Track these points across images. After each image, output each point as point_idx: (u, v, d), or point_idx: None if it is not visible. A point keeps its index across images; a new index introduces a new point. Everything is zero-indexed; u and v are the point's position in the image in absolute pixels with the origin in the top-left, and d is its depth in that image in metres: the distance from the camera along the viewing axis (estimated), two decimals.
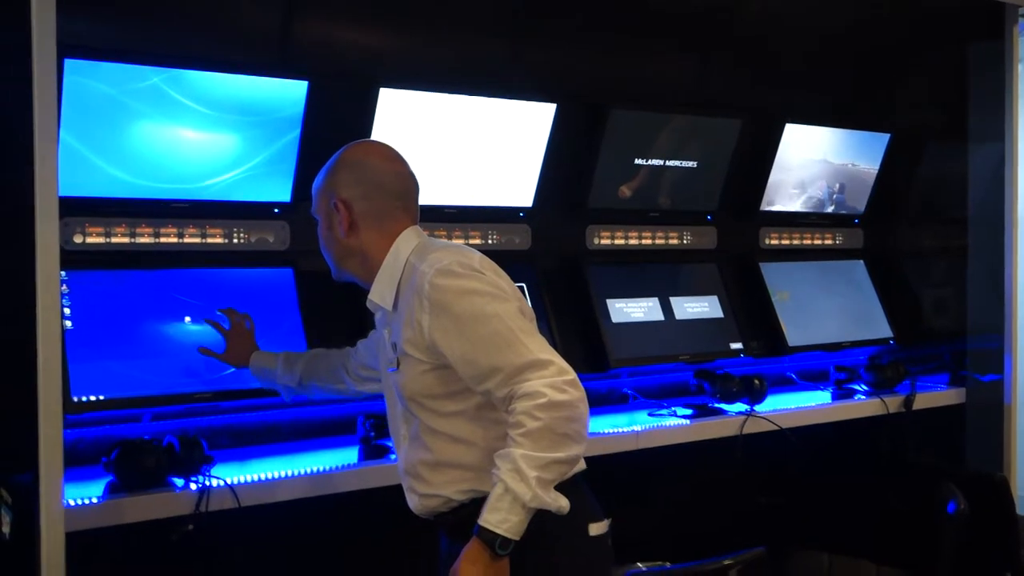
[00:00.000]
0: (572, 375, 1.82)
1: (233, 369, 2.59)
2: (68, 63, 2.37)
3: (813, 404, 3.55)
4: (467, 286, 1.88)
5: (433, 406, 1.95)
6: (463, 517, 1.93)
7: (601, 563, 2.00)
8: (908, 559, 2.96)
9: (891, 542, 3.03)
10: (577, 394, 1.80)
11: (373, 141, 2.16)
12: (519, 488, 1.75)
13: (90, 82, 2.43)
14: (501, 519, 1.76)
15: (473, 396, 1.91)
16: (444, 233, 3.12)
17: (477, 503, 1.87)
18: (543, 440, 1.76)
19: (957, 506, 2.72)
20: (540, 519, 1.80)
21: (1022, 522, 3.23)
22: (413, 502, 2.04)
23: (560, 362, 1.83)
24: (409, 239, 2.02)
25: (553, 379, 1.79)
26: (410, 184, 2.07)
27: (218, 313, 2.58)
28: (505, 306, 1.88)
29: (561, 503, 1.80)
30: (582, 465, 1.96)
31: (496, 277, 1.95)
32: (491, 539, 1.76)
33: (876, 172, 4.16)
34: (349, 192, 2.01)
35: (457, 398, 1.92)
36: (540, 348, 1.84)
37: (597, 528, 1.97)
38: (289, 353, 2.50)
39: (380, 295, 2.01)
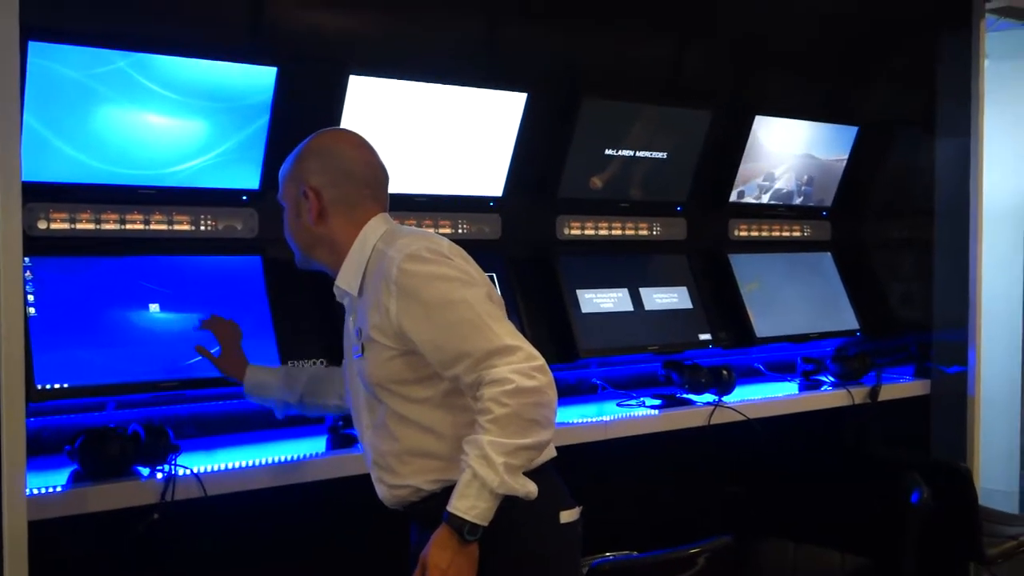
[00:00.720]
0: (540, 361, 1.82)
1: (200, 358, 2.56)
2: (32, 46, 2.33)
3: (780, 395, 3.58)
4: (435, 271, 1.88)
5: (401, 391, 1.94)
6: (433, 506, 1.92)
7: (571, 550, 2.01)
8: (872, 548, 2.99)
9: (856, 531, 3.06)
10: (545, 380, 1.81)
11: (342, 129, 2.15)
12: (487, 474, 1.76)
13: (54, 65, 2.40)
14: (469, 505, 1.77)
15: (442, 382, 1.91)
16: (414, 222, 3.10)
17: (448, 492, 1.87)
18: (511, 426, 1.77)
19: (921, 495, 2.76)
20: (511, 506, 1.81)
21: (984, 512, 3.28)
22: (382, 492, 2.03)
23: (528, 348, 1.84)
24: (377, 226, 2.01)
25: (521, 365, 1.80)
26: (379, 173, 2.07)
27: (201, 329, 2.50)
28: (473, 291, 1.88)
29: (529, 488, 1.81)
30: (552, 452, 1.97)
31: (464, 263, 1.95)
32: (460, 525, 1.77)
33: (844, 165, 4.19)
34: (318, 180, 2.00)
35: (425, 384, 1.92)
36: (508, 334, 1.85)
37: (568, 515, 1.98)
38: (289, 369, 2.49)
39: (346, 281, 2.00)
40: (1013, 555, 3.21)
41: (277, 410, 2.44)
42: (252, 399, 2.45)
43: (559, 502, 1.97)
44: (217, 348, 2.49)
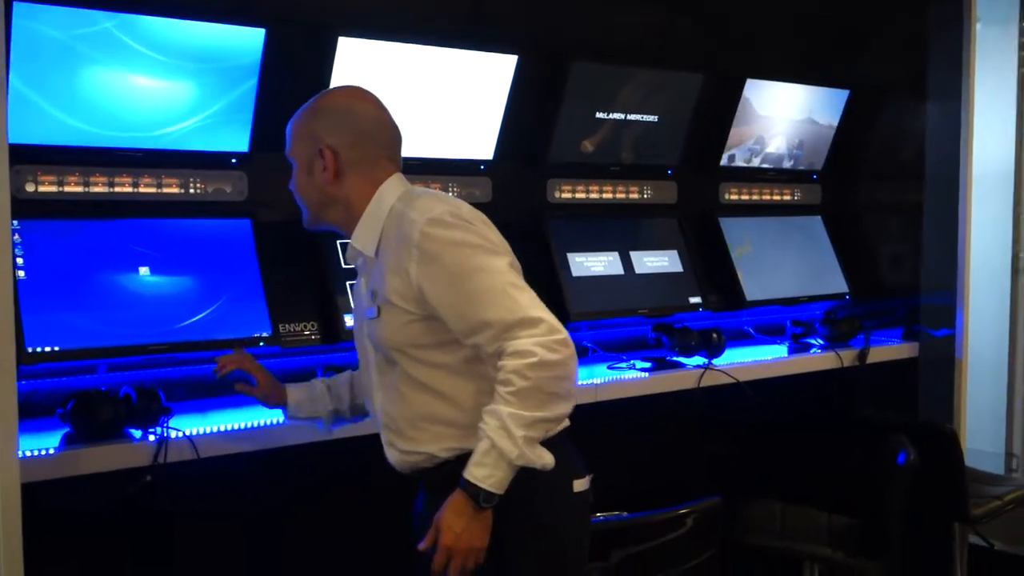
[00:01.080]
0: (563, 333, 1.81)
1: (192, 319, 2.56)
2: (16, 6, 2.30)
3: (770, 358, 3.60)
4: (459, 238, 1.86)
5: (419, 356, 1.92)
6: (447, 473, 1.93)
7: (583, 518, 2.02)
8: (859, 508, 3.03)
9: (843, 492, 3.09)
10: (568, 352, 1.80)
11: (358, 87, 2.09)
12: (505, 445, 1.76)
13: (39, 26, 2.37)
14: (486, 474, 1.78)
15: (461, 348, 1.89)
16: None
17: (462, 460, 1.87)
18: (531, 399, 1.77)
19: (907, 457, 2.79)
20: (525, 475, 1.82)
21: (970, 473, 3.31)
22: (393, 457, 2.02)
23: (551, 320, 1.82)
24: (394, 186, 1.99)
25: (544, 338, 1.78)
26: (395, 133, 2.05)
27: (223, 373, 2.28)
28: (497, 260, 1.87)
29: (546, 460, 1.82)
30: (566, 422, 1.96)
31: (487, 229, 1.92)
32: (475, 492, 1.78)
33: (835, 128, 4.18)
34: (336, 139, 1.96)
35: (445, 349, 1.90)
36: (531, 304, 1.83)
37: (580, 484, 1.98)
38: (327, 381, 2.31)
39: (362, 241, 1.97)
40: (997, 515, 3.26)
41: (326, 424, 2.30)
42: (298, 420, 2.30)
43: (573, 471, 1.97)
44: (251, 378, 2.30)
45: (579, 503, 1.99)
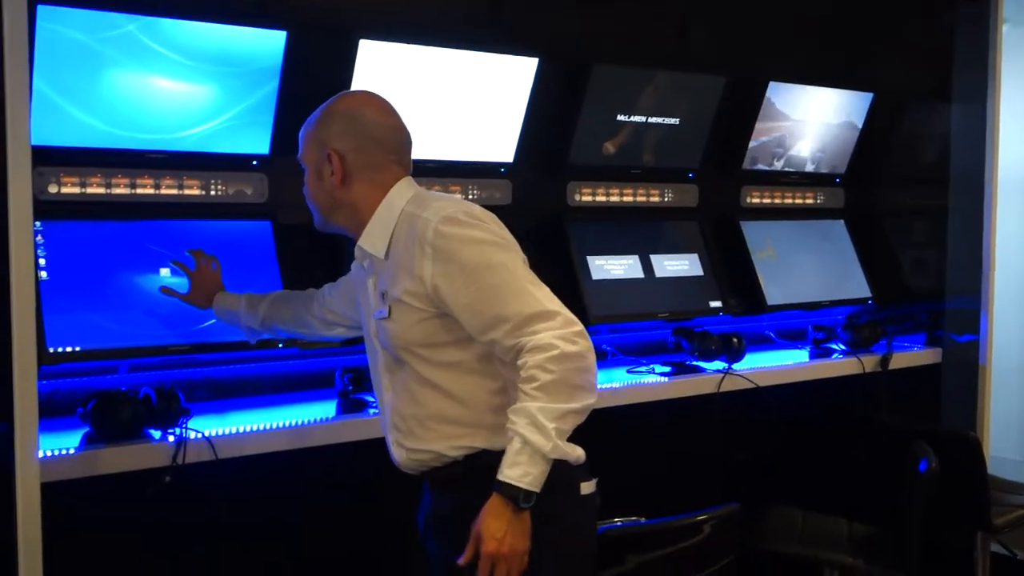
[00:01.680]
0: (580, 326, 1.82)
1: (212, 321, 2.58)
2: (41, 9, 2.32)
3: (791, 363, 3.58)
4: (472, 235, 1.87)
5: (429, 355, 1.92)
6: (454, 473, 1.94)
7: (589, 521, 2.02)
8: (880, 516, 3.00)
9: (864, 499, 3.06)
10: (586, 344, 1.81)
11: (368, 92, 2.11)
12: (538, 440, 1.75)
13: (63, 29, 2.39)
14: (522, 472, 1.76)
15: (474, 346, 1.90)
16: (425, 187, 3.09)
17: (470, 459, 1.89)
18: (558, 392, 1.77)
19: (929, 464, 2.76)
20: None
21: (993, 481, 3.28)
22: (400, 456, 2.02)
23: (567, 313, 1.83)
24: (404, 190, 2.00)
25: (562, 330, 1.79)
26: (404, 137, 2.05)
27: (186, 254, 2.54)
28: (511, 256, 1.88)
29: (578, 453, 1.83)
30: (580, 422, 1.92)
31: (499, 228, 1.93)
32: (514, 493, 1.77)
33: (859, 131, 4.15)
34: (342, 144, 1.98)
35: (459, 347, 1.91)
36: (547, 298, 1.84)
37: (587, 487, 1.98)
38: (252, 295, 2.48)
39: (371, 243, 1.98)
40: (1021, 524, 3.22)
41: (248, 336, 2.50)
42: (227, 324, 2.52)
43: (578, 474, 1.96)
44: (187, 283, 2.54)
45: (586, 505, 1.99)
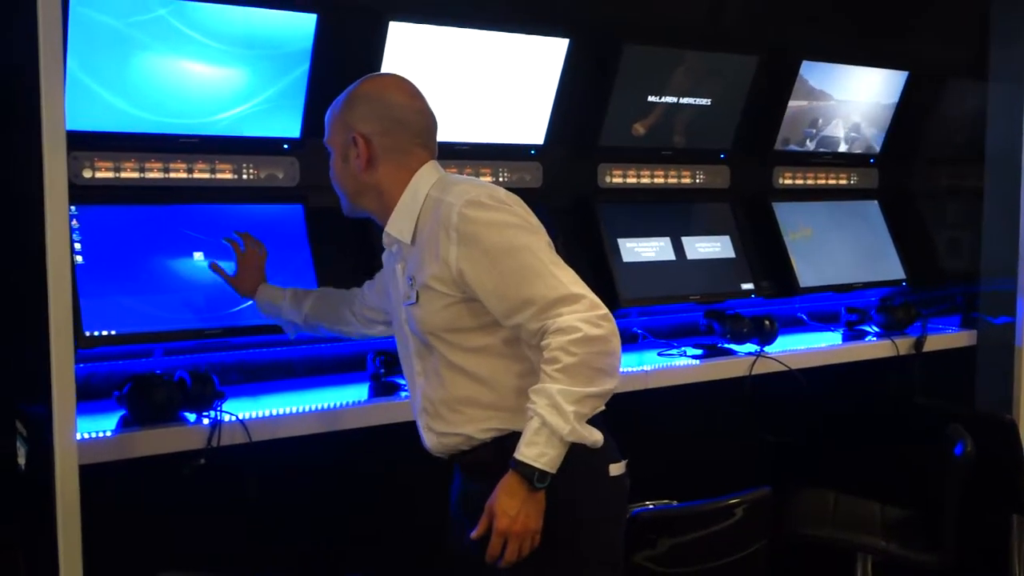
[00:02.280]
0: (604, 309, 1.82)
1: (245, 304, 2.59)
2: None
3: (823, 345, 3.55)
4: (497, 218, 1.86)
5: (457, 340, 1.92)
6: (483, 456, 1.95)
7: (620, 503, 2.02)
8: (914, 500, 2.98)
9: (898, 483, 3.04)
10: (610, 327, 1.80)
11: (393, 75, 2.11)
12: (556, 422, 1.76)
13: (95, 14, 2.40)
14: (539, 452, 1.77)
15: (500, 330, 1.90)
16: (455, 170, 3.08)
17: (499, 441, 1.90)
18: (579, 375, 1.77)
19: (964, 448, 2.73)
20: (563, 460, 1.81)
21: None
22: (430, 441, 2.03)
23: (592, 296, 1.83)
24: (428, 174, 1.99)
25: (587, 313, 1.79)
26: (430, 120, 2.04)
27: (235, 235, 2.55)
28: (536, 238, 1.87)
29: (596, 436, 1.83)
30: (600, 406, 1.95)
31: (523, 211, 1.92)
32: (529, 473, 1.78)
33: (893, 111, 4.10)
34: (368, 127, 1.97)
35: (484, 332, 1.91)
36: (572, 281, 1.84)
37: (616, 468, 1.98)
38: (296, 290, 2.48)
39: (398, 229, 1.97)
40: None
41: (288, 330, 2.50)
42: (268, 316, 2.51)
43: (608, 455, 1.96)
44: (234, 266, 2.53)
45: (616, 487, 1.99)
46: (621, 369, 1.85)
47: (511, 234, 1.85)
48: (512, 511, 1.80)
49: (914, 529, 2.92)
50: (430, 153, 2.03)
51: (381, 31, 2.78)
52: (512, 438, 1.88)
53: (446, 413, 1.97)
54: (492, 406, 1.93)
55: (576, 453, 1.82)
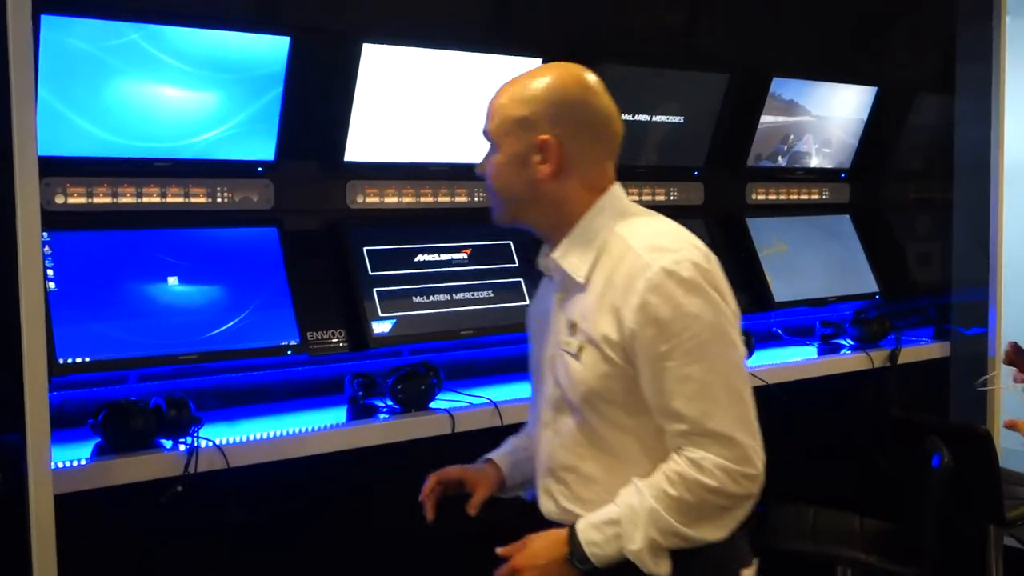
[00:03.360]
0: (756, 468, 1.59)
1: (221, 329, 2.58)
2: (44, 19, 2.32)
3: (799, 359, 3.57)
4: (693, 308, 1.58)
5: (608, 412, 1.66)
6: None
7: None
8: (892, 512, 2.99)
9: (876, 495, 3.06)
10: (750, 489, 1.60)
11: (585, 72, 1.74)
12: (630, 533, 1.59)
13: (67, 39, 2.39)
14: (595, 542, 1.61)
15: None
16: (431, 191, 3.10)
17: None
18: (686, 514, 1.58)
19: (941, 459, 2.75)
20: (690, 555, 1.62)
21: (1004, 474, 3.27)
22: (550, 509, 1.76)
23: (748, 445, 1.59)
24: (615, 200, 1.72)
25: (734, 466, 1.57)
26: (621, 133, 1.75)
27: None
28: (724, 352, 1.61)
29: (660, 572, 1.61)
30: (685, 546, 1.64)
31: (724, 288, 1.65)
32: (575, 548, 1.62)
33: (864, 126, 4.14)
34: (563, 130, 1.67)
35: (641, 415, 1.64)
36: (736, 420, 1.60)
37: (748, 573, 1.74)
38: (521, 441, 1.97)
39: (570, 262, 1.69)
40: None
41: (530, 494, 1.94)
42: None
43: (743, 559, 1.73)
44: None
45: None
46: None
47: (702, 337, 1.58)
48: (539, 562, 1.64)
49: (893, 541, 2.93)
50: (615, 172, 1.76)
51: (355, 53, 2.78)
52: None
53: (578, 488, 1.71)
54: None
55: (708, 552, 1.62)
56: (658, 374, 1.59)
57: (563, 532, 1.65)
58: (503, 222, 1.79)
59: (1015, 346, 2.18)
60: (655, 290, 1.58)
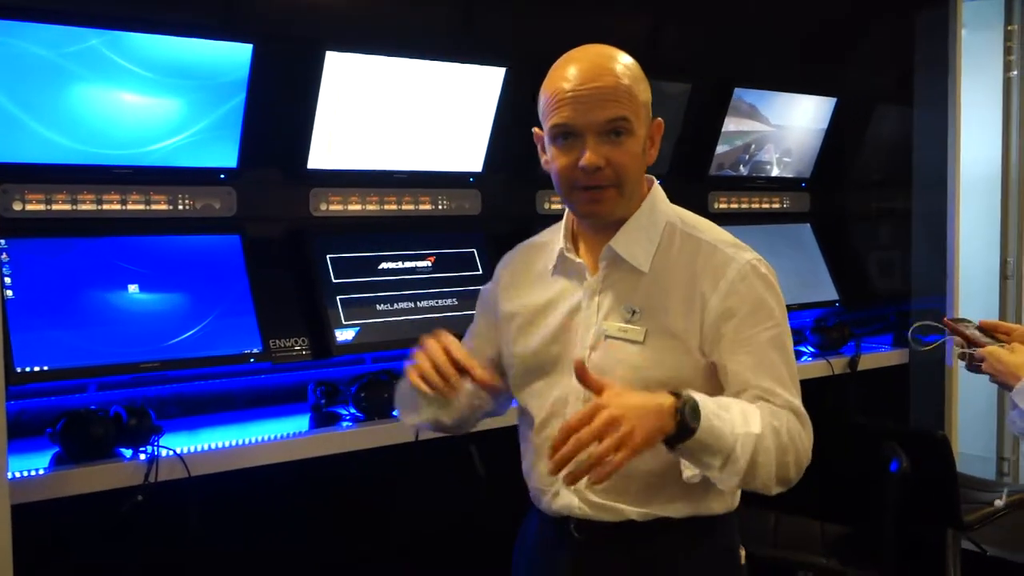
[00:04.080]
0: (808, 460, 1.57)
1: (182, 337, 2.56)
2: (1, 24, 2.30)
3: None
4: (772, 303, 1.62)
5: None
6: (622, 534, 1.63)
7: None
8: (852, 516, 3.02)
9: (836, 501, 3.09)
10: (797, 478, 1.56)
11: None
12: (749, 420, 1.47)
13: (25, 44, 2.37)
14: (712, 409, 1.44)
15: None
16: (394, 199, 3.10)
17: (651, 524, 1.62)
18: (782, 453, 1.50)
19: (900, 465, 2.78)
20: (699, 535, 1.63)
21: (962, 478, 3.31)
22: (572, 504, 1.64)
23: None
24: (660, 190, 1.70)
25: (810, 438, 1.56)
26: None
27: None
28: (789, 340, 1.63)
29: (729, 483, 1.49)
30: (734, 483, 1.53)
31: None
32: (688, 400, 1.42)
33: (823, 136, 4.20)
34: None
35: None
36: (798, 393, 1.60)
37: (743, 556, 1.80)
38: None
39: (630, 251, 1.63)
40: (990, 520, 3.25)
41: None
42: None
43: (738, 536, 1.76)
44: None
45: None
46: None
47: (779, 329, 1.61)
48: (641, 409, 1.39)
49: (853, 545, 2.96)
50: None
51: (318, 61, 2.78)
52: (702, 521, 1.65)
53: (623, 485, 1.59)
54: (676, 484, 1.61)
55: (730, 520, 1.65)
56: (746, 354, 1.57)
57: (665, 396, 1.43)
58: (613, 218, 1.64)
59: (950, 322, 2.26)
60: (743, 281, 1.60)
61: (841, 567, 2.89)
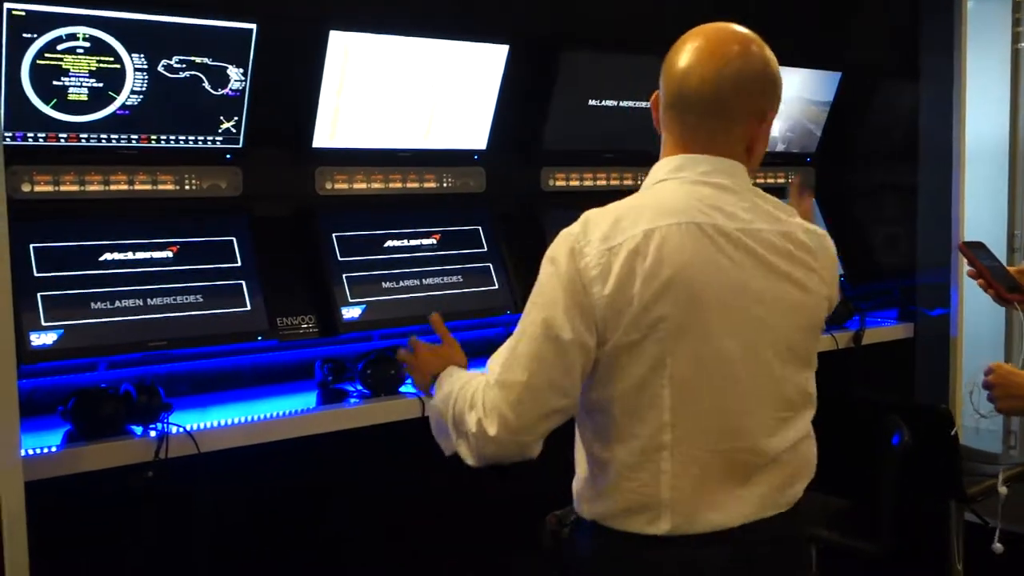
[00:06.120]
0: None
1: (190, 316, 2.59)
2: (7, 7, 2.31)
3: None
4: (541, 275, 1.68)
5: None
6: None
7: None
8: (854, 489, 3.05)
9: (838, 473, 3.11)
10: None
11: None
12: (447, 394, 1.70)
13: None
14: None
15: None
16: (399, 177, 3.12)
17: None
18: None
19: (901, 438, 2.80)
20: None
21: (965, 451, 3.33)
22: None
23: None
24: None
25: None
26: None
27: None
28: (533, 314, 1.67)
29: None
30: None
31: None
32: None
33: (828, 111, 4.19)
34: None
35: None
36: (509, 369, 1.64)
37: None
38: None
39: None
40: (992, 493, 3.27)
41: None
42: None
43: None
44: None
45: None
46: None
47: (535, 299, 1.66)
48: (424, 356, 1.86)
49: (856, 518, 2.98)
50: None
51: (322, 41, 2.79)
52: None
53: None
54: None
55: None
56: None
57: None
58: None
59: (964, 245, 2.30)
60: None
61: (843, 539, 2.91)
